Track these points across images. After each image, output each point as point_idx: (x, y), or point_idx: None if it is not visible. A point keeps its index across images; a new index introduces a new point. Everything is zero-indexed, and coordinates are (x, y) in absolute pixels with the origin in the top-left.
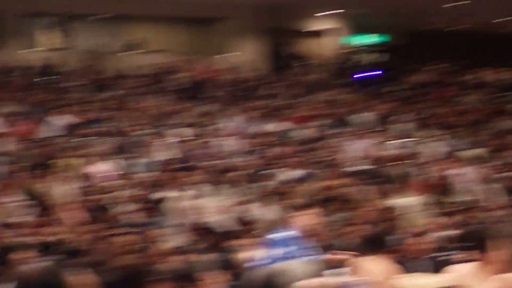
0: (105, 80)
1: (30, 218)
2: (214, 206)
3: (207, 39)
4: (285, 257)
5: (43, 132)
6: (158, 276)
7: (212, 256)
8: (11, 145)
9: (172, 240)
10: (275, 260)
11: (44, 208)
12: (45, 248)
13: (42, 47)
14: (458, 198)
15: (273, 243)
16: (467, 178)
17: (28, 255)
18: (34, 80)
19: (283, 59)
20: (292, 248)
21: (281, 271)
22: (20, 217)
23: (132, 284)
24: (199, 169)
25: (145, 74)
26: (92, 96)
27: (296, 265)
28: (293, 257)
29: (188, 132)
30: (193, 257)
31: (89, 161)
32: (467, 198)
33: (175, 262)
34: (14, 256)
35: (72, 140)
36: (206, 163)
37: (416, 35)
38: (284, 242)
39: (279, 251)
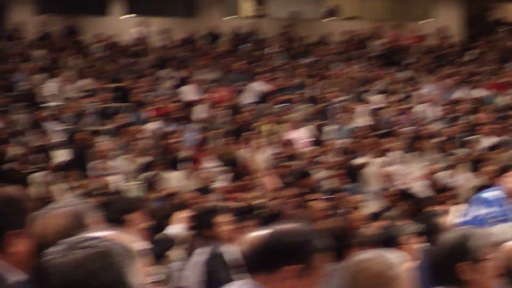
0: (302, 47)
1: (228, 183)
2: (410, 172)
3: (403, 5)
4: (487, 219)
5: (241, 98)
6: (360, 240)
7: (409, 222)
8: (207, 112)
9: (369, 205)
10: (476, 222)
11: (241, 173)
12: (246, 213)
13: (243, 14)
14: None
15: (474, 205)
16: None
17: (230, 219)
18: (234, 47)
19: (482, 24)
20: (495, 209)
21: (483, 233)
22: (218, 182)
23: (335, 247)
24: (395, 136)
25: (341, 40)
26: (289, 63)
27: (500, 227)
28: (496, 219)
29: (384, 98)
30: (391, 223)
31: (286, 128)
32: None
33: (374, 227)
34: (217, 219)
35: (269, 106)
36: (401, 129)
37: None
38: (486, 204)
39: (480, 213)
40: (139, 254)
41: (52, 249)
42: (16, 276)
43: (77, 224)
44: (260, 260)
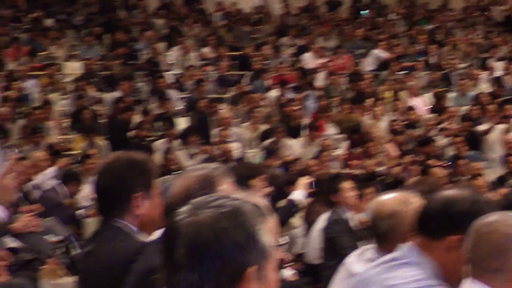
0: (424, 13)
1: (349, 150)
2: None
3: None
4: None
5: (362, 65)
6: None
7: None
8: (328, 79)
9: (492, 172)
10: None
11: (362, 140)
12: (368, 179)
13: None
14: None
15: None
16: None
17: (352, 185)
18: (354, 14)
19: None
20: None
21: None
22: (339, 149)
23: None
24: None
25: (463, 6)
26: (410, 29)
27: None
28: None
29: (507, 65)
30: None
31: (407, 95)
32: None
33: (498, 194)
34: (342, 185)
35: (390, 73)
36: None
37: None
38: None
39: None
40: (269, 214)
41: (182, 208)
42: (144, 237)
43: (208, 187)
44: (426, 224)
